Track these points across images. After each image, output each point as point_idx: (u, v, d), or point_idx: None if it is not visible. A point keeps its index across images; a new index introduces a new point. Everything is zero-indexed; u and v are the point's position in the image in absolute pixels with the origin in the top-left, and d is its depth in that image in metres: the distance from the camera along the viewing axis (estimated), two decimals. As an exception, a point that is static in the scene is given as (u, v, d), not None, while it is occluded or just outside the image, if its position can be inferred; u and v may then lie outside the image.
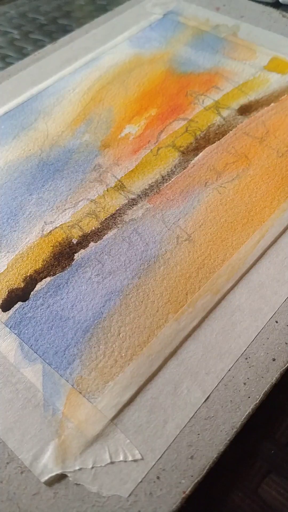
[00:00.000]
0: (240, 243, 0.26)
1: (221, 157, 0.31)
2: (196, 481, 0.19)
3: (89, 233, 0.28)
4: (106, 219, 0.28)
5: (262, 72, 0.36)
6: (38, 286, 0.25)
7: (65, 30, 0.46)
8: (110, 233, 0.28)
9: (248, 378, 0.22)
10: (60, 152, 0.32)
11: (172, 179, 0.30)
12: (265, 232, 0.27)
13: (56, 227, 0.28)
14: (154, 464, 0.20)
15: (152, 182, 0.30)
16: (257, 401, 0.21)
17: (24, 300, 0.25)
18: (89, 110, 0.35)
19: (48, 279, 0.26)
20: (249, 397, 0.21)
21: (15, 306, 0.25)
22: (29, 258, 0.27)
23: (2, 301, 0.25)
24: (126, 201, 0.29)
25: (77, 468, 0.20)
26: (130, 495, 0.19)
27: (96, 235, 0.28)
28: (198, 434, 0.20)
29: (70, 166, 0.31)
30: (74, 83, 0.37)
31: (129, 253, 0.27)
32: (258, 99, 0.34)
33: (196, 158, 0.31)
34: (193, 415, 0.21)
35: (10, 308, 0.25)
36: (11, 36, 0.46)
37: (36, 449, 0.20)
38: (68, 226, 0.28)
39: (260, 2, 0.43)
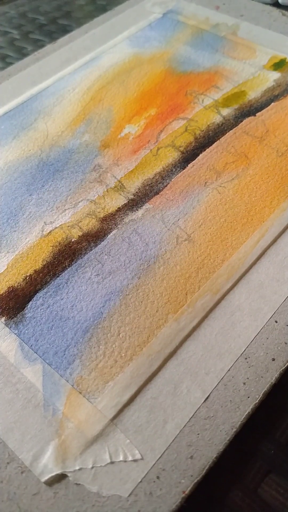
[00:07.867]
0: (239, 243, 0.26)
1: (221, 157, 0.31)
2: (196, 481, 0.19)
3: (89, 233, 0.28)
4: (106, 219, 0.28)
5: (262, 71, 0.36)
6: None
7: (65, 30, 0.46)
8: (110, 233, 0.28)
9: (247, 378, 0.22)
10: (60, 152, 0.32)
11: (172, 179, 0.30)
12: (265, 232, 0.27)
13: (56, 227, 0.28)
14: (154, 464, 0.20)
15: (151, 183, 0.30)
16: (257, 401, 0.21)
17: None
18: (88, 110, 0.35)
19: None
20: (248, 397, 0.21)
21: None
22: (29, 258, 0.27)
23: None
24: (126, 201, 0.29)
25: (77, 468, 0.20)
26: (130, 495, 0.19)
27: (96, 235, 0.28)
28: (198, 434, 0.20)
29: (70, 166, 0.31)
30: (73, 83, 0.37)
31: (129, 253, 0.27)
32: (257, 98, 0.34)
33: (195, 158, 0.31)
34: (192, 415, 0.21)
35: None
36: (11, 36, 0.46)
37: (36, 449, 0.20)
38: (68, 226, 0.28)
39: (259, 1, 0.43)
